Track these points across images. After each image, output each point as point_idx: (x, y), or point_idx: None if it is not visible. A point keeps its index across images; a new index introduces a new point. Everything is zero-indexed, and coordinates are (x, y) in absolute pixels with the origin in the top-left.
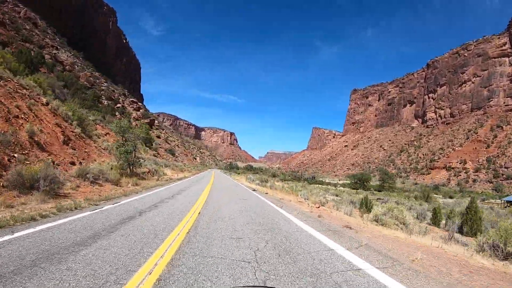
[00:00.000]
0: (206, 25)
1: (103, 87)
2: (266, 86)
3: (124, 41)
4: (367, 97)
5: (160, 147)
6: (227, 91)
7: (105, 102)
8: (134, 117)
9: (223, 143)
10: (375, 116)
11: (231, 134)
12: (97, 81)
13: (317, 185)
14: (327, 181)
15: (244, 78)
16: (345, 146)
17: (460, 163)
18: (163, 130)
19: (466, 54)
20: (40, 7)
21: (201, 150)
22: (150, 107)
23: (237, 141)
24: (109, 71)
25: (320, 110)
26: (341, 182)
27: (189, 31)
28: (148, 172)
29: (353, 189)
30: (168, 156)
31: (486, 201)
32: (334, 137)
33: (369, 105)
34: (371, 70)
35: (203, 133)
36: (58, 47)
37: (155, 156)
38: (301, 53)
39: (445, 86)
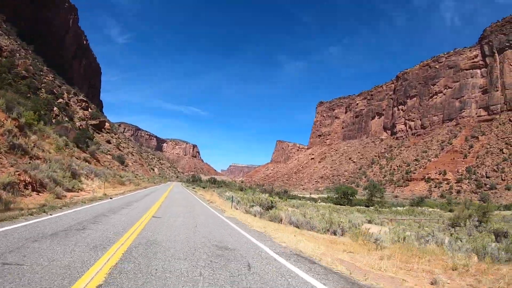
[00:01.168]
0: (172, 35)
1: (45, 80)
2: (230, 99)
3: (85, 42)
4: (333, 110)
5: (109, 153)
6: (191, 103)
7: (44, 95)
8: (79, 117)
9: (185, 155)
10: (342, 128)
11: (194, 146)
12: (41, 73)
13: (294, 201)
14: (300, 195)
15: (209, 90)
16: (312, 158)
17: (439, 174)
18: (115, 135)
19: (437, 66)
20: None
21: (161, 161)
22: (111, 117)
23: (199, 154)
24: (66, 72)
25: (284, 123)
26: (315, 196)
27: (154, 40)
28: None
29: (337, 204)
30: (114, 164)
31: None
32: (298, 150)
33: (336, 117)
34: (336, 83)
35: (165, 145)
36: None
37: (87, 160)
38: (266, 66)
39: (415, 98)
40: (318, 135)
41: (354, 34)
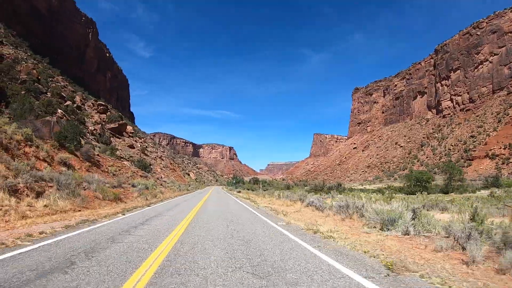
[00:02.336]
0: (192, 43)
1: (54, 85)
2: (258, 98)
3: (107, 54)
4: (370, 95)
5: (131, 159)
6: (221, 107)
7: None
8: (95, 121)
9: (222, 158)
10: (382, 113)
11: (230, 148)
12: (50, 79)
13: (363, 195)
14: (355, 187)
15: (237, 92)
16: (354, 148)
17: (504, 149)
18: (140, 139)
19: (478, 33)
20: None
21: (198, 165)
22: (146, 128)
23: (236, 156)
24: (88, 85)
25: (318, 116)
26: (372, 186)
27: (176, 50)
28: None
29: (410, 194)
30: (129, 170)
31: None
32: (337, 141)
33: (374, 102)
34: (366, 69)
35: (201, 150)
36: (4, 41)
37: (66, 164)
38: (290, 62)
39: (459, 70)
40: (358, 123)
41: (375, 18)
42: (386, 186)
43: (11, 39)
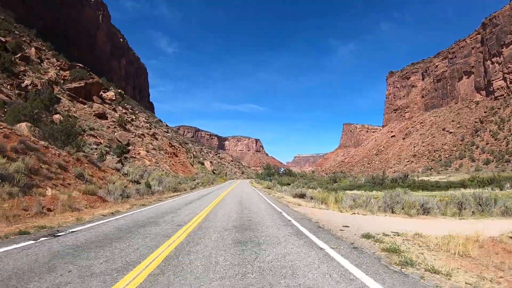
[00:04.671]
0: (218, 38)
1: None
2: (285, 91)
3: (121, 40)
4: (407, 78)
5: (94, 134)
6: (248, 100)
7: None
8: (49, 78)
9: (248, 151)
10: (422, 97)
11: (256, 141)
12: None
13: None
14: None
15: (264, 86)
16: (392, 136)
17: None
18: (126, 109)
19: None
20: None
21: (220, 155)
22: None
23: (263, 148)
24: (100, 71)
25: (346, 107)
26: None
27: (201, 46)
28: None
29: None
30: (77, 160)
31: None
32: (367, 131)
33: (412, 86)
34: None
35: (226, 142)
36: None
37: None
38: (317, 54)
39: None
40: (394, 110)
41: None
42: (470, 177)
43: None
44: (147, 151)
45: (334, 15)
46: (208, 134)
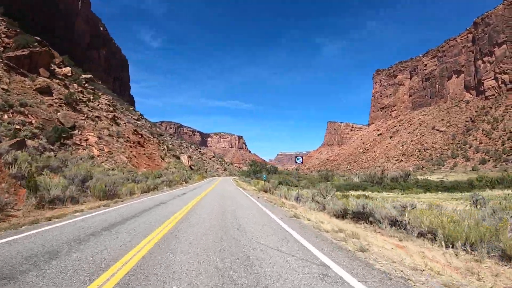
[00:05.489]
0: (205, 33)
1: None
2: (271, 89)
3: (102, 28)
4: (395, 76)
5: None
6: (233, 97)
7: None
8: None
9: (231, 147)
10: (410, 96)
11: (239, 137)
12: None
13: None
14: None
15: (250, 83)
16: (379, 135)
17: None
18: (82, 87)
19: None
20: None
21: (201, 150)
22: (153, 118)
23: (246, 145)
24: (80, 61)
25: (330, 106)
26: (450, 177)
27: (188, 40)
28: None
29: None
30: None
31: None
32: (352, 129)
33: (400, 84)
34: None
35: (209, 139)
36: None
37: None
38: (304, 52)
39: (505, 45)
40: (380, 108)
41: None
42: (478, 177)
43: None
44: (99, 137)
45: (323, 14)
46: (190, 130)
